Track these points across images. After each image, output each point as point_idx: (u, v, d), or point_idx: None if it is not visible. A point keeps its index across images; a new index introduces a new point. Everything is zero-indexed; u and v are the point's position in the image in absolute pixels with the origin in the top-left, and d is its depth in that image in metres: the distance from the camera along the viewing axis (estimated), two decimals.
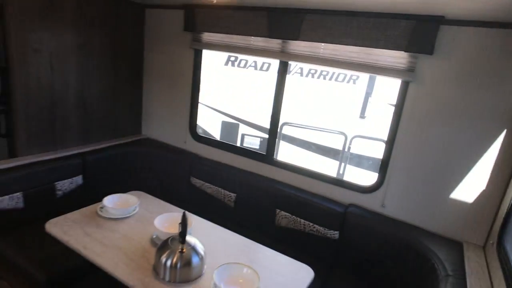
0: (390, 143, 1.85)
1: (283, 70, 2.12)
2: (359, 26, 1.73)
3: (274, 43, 2.05)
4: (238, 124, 5.39)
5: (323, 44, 1.89)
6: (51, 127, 2.15)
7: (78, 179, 2.20)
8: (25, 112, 2.00)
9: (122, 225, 1.59)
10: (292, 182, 2.16)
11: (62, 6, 2.01)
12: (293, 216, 2.04)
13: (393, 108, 1.85)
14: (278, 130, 2.29)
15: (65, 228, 1.51)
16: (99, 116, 2.42)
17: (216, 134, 5.18)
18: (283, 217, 2.07)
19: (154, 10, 2.48)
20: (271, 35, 1.98)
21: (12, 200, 1.91)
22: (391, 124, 1.85)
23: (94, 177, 2.29)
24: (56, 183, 2.09)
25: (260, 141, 4.46)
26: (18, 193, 1.93)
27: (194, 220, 1.59)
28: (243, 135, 4.85)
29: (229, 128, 5.14)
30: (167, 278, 1.26)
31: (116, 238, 1.48)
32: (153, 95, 2.67)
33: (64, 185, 2.13)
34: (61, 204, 2.11)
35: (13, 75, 1.92)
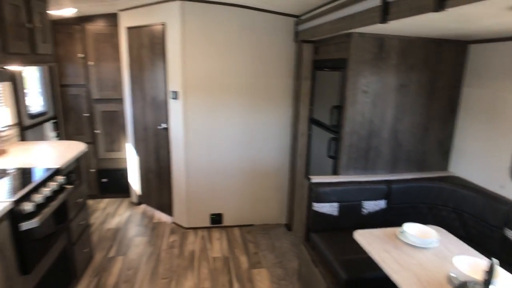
0: None
1: None
2: None
3: None
4: None
5: None
6: (365, 154, 2.55)
7: (381, 203, 2.46)
8: (349, 140, 2.50)
9: (418, 253, 1.64)
10: None
11: (388, 56, 2.38)
12: None
13: None
14: None
15: (369, 240, 1.76)
16: (407, 149, 2.59)
17: None
18: None
19: (479, 45, 2.38)
20: None
21: (331, 207, 2.43)
22: None
23: (395, 204, 2.47)
24: (363, 201, 2.45)
25: None
26: (335, 203, 2.43)
27: (503, 275, 1.38)
28: None
29: None
30: None
31: (412, 263, 1.55)
32: (467, 132, 2.53)
33: (369, 205, 2.45)
34: (365, 220, 2.45)
35: (345, 111, 2.46)
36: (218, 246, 3.26)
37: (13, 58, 2.24)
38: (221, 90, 3.27)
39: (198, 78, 3.22)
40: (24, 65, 2.42)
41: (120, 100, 4.00)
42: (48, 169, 2.23)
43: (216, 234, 3.48)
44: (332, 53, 2.70)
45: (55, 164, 2.33)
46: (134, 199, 4.18)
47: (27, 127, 3.24)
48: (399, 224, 1.86)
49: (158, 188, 3.77)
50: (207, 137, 3.35)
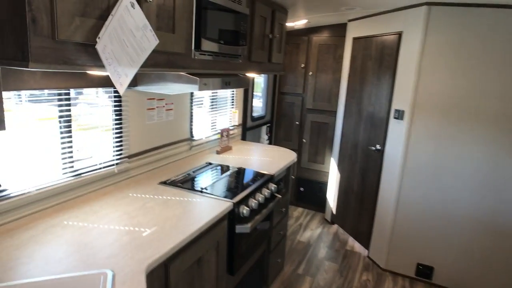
0: None
1: None
2: None
3: None
4: None
5: None
6: None
7: None
8: None
9: None
10: None
11: None
12: None
13: None
14: None
15: None
16: None
17: None
18: None
19: None
20: None
21: None
22: None
23: None
24: None
25: None
26: None
27: None
28: None
29: None
30: None
31: None
32: None
33: None
34: None
35: None
36: None
37: (253, 66, 2.37)
38: (463, 115, 2.57)
39: (433, 97, 2.63)
40: (259, 73, 2.56)
41: (332, 113, 3.87)
42: (263, 175, 2.24)
43: None
44: None
45: (269, 170, 2.34)
46: (327, 216, 3.98)
47: (248, 128, 3.54)
48: None
49: (357, 213, 3.41)
50: (432, 170, 2.72)
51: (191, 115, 2.49)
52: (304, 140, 4.14)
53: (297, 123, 4.14)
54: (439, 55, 2.57)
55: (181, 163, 2.39)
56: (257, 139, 3.98)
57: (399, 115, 2.79)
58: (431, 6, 2.53)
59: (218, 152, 2.71)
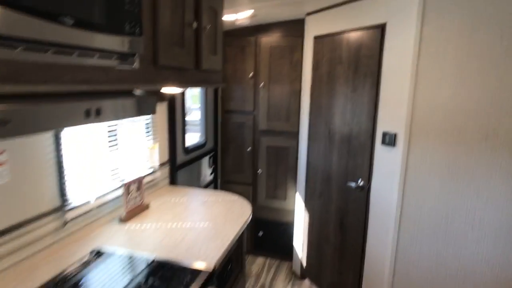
0: None
1: None
2: None
3: None
4: None
5: None
6: None
7: None
8: None
9: None
10: None
11: None
12: None
13: None
14: None
15: None
16: None
17: None
18: None
19: None
20: None
21: None
22: None
23: None
24: None
25: None
26: None
27: None
28: None
29: None
30: None
31: None
32: None
33: None
34: None
35: None
36: None
37: (164, 75, 1.37)
38: (479, 137, 1.78)
39: (437, 113, 1.83)
40: (181, 86, 1.57)
41: (292, 134, 2.98)
42: (194, 274, 1.22)
43: None
44: None
45: (207, 254, 1.33)
46: (296, 267, 3.04)
47: (181, 166, 2.51)
48: None
49: (336, 269, 2.51)
50: (440, 215, 1.90)
51: (60, 164, 1.40)
52: (259, 170, 3.19)
53: (249, 149, 3.19)
54: (444, 53, 1.78)
55: (38, 261, 1.29)
56: (196, 177, 2.95)
57: (390, 139, 1.95)
58: None
59: (122, 220, 1.65)
